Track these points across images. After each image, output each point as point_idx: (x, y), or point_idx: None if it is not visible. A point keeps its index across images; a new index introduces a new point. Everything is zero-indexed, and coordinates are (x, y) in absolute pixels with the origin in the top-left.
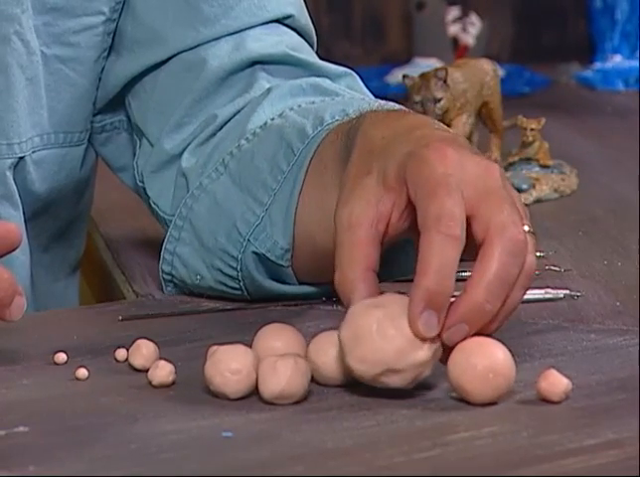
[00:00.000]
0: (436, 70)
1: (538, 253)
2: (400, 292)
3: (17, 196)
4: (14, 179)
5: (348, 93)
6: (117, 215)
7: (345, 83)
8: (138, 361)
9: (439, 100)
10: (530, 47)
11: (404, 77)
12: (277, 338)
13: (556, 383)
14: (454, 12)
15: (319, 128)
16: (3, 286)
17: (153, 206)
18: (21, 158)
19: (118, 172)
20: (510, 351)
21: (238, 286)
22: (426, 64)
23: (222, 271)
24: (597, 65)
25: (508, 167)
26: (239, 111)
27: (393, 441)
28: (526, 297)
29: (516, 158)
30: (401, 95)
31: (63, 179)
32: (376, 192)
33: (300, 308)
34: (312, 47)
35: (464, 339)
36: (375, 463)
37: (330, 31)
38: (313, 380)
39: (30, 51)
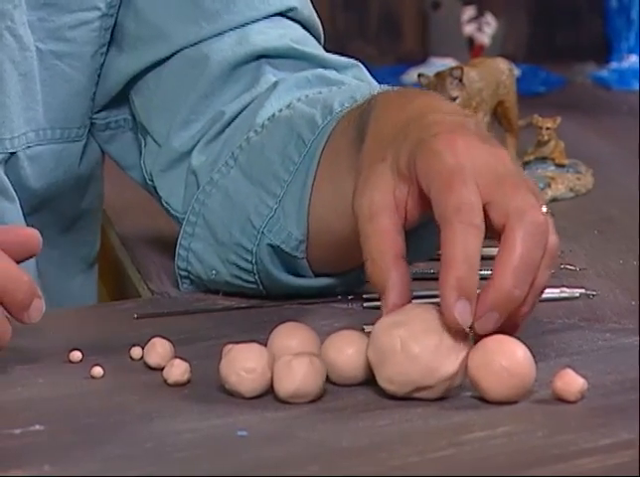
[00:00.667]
0: (452, 69)
1: None
2: (415, 298)
3: (11, 190)
4: (6, 174)
5: (354, 82)
6: (133, 213)
7: (351, 74)
8: (153, 359)
9: (455, 99)
10: (545, 46)
11: (420, 76)
12: (292, 337)
13: (571, 382)
14: (470, 11)
15: (329, 117)
16: (22, 289)
17: (165, 205)
18: (12, 154)
19: (127, 170)
20: None
21: (253, 280)
22: (442, 63)
23: (237, 265)
24: (613, 64)
25: (523, 166)
26: (246, 107)
27: (408, 441)
28: (542, 296)
29: (531, 157)
30: None
31: (61, 175)
32: (391, 179)
33: (315, 306)
34: (318, 39)
35: (494, 331)
36: (389, 463)
37: (345, 30)
38: (328, 379)
39: (23, 46)
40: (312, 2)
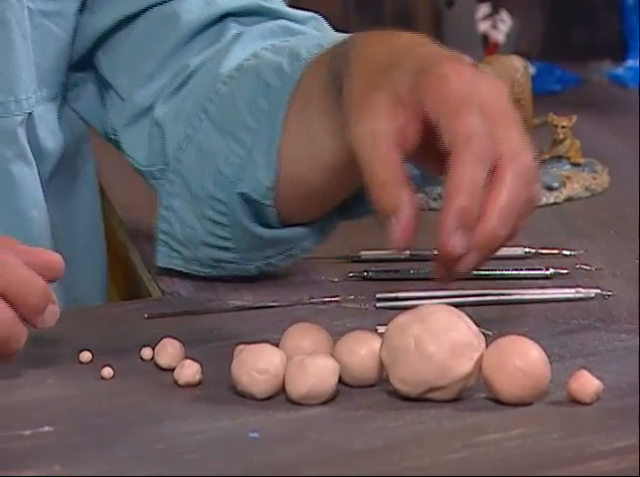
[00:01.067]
0: None
1: (569, 252)
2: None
3: (30, 154)
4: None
5: (320, 33)
6: (143, 212)
7: (312, 26)
8: (164, 360)
9: None
10: (561, 44)
11: None
12: (304, 337)
13: (586, 383)
14: (484, 9)
15: (296, 64)
16: (37, 293)
17: (129, 159)
18: (29, 114)
19: (94, 126)
20: None
21: (227, 235)
22: None
23: (211, 220)
24: (629, 62)
25: (539, 165)
26: (209, 59)
27: (421, 442)
28: (556, 296)
29: (547, 156)
30: None
31: (69, 135)
32: (390, 106)
33: (328, 306)
34: None
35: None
36: (403, 464)
37: (359, 29)
38: (341, 380)
39: (22, 5)
40: (325, 2)
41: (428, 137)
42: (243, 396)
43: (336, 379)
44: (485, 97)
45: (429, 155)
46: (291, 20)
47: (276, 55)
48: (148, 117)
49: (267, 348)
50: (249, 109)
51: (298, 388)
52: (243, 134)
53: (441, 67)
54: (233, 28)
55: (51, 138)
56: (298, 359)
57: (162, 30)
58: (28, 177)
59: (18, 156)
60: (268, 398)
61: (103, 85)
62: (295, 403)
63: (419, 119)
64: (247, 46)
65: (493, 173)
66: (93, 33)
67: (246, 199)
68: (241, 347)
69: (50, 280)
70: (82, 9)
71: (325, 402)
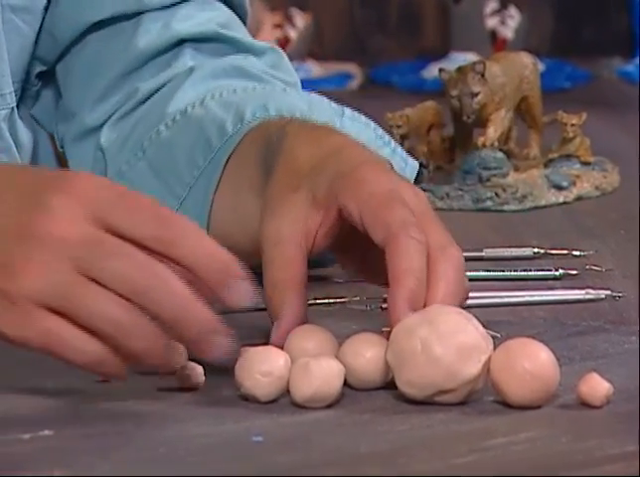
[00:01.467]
0: (474, 63)
1: (578, 253)
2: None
3: (14, 149)
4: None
5: (271, 78)
6: None
7: (270, 60)
8: None
9: (477, 95)
10: (570, 40)
11: (441, 70)
12: (309, 339)
13: (596, 386)
14: (492, 4)
15: (239, 125)
16: (199, 321)
17: None
18: (12, 109)
19: (50, 131)
20: None
21: None
22: (463, 58)
23: None
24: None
25: (548, 163)
26: (160, 87)
27: (428, 446)
28: (566, 298)
29: (556, 154)
30: (438, 90)
31: (39, 133)
32: (304, 209)
33: (332, 308)
34: (244, 17)
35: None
36: (409, 468)
37: (364, 24)
38: (346, 383)
39: None
40: None
41: (343, 240)
42: (247, 399)
43: (341, 381)
44: (405, 197)
45: (347, 258)
46: (250, 51)
47: (222, 110)
48: (95, 137)
49: (272, 350)
50: (187, 163)
51: (303, 390)
52: (178, 187)
53: (359, 170)
54: (187, 55)
55: (25, 134)
56: (303, 361)
57: (117, 47)
58: None
59: (2, 151)
60: (272, 402)
61: (58, 94)
62: (300, 407)
63: (333, 222)
64: (198, 85)
65: (429, 266)
66: (62, 41)
67: None
68: (245, 349)
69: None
70: (48, 6)
71: (330, 406)
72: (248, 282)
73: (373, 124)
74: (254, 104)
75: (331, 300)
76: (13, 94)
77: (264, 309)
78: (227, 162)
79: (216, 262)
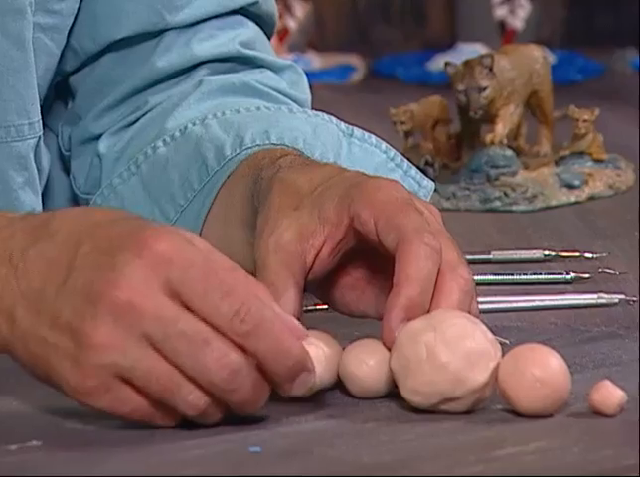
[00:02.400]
0: (481, 56)
1: (591, 255)
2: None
3: (37, 181)
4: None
5: (280, 96)
6: None
7: (289, 77)
8: None
9: (484, 89)
10: (583, 31)
11: (447, 64)
12: (311, 346)
13: (610, 395)
14: None
15: (237, 150)
16: (291, 358)
17: (71, 178)
18: (39, 137)
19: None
20: None
21: None
22: (471, 49)
23: None
24: None
25: (559, 161)
26: (166, 100)
27: (433, 457)
28: (578, 302)
29: (567, 152)
30: (443, 84)
31: (56, 158)
32: (308, 225)
33: (333, 314)
34: (270, 31)
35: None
36: None
37: (367, 14)
38: (349, 391)
39: (30, 21)
40: None
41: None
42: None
43: (321, 366)
44: (421, 209)
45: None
46: (268, 67)
47: (222, 130)
48: (94, 145)
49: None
50: (181, 184)
51: None
52: (169, 207)
53: (373, 180)
54: (201, 75)
55: (45, 156)
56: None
57: (135, 64)
58: (35, 206)
59: (27, 183)
60: (269, 411)
61: (67, 99)
62: (298, 416)
63: (341, 237)
64: (204, 99)
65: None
66: (82, 55)
67: None
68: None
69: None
70: (73, 24)
71: (316, 394)
72: (313, 374)
73: (384, 145)
74: (256, 129)
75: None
76: (40, 122)
77: None
78: (220, 188)
79: (289, 359)
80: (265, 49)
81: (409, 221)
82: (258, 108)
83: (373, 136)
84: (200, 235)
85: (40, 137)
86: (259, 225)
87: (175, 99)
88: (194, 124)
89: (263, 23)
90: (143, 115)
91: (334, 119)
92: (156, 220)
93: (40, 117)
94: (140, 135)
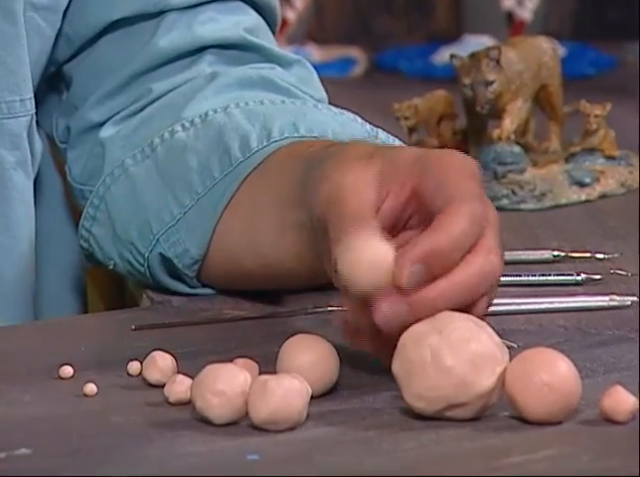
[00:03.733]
0: (488, 49)
1: (602, 256)
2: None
3: (30, 163)
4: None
5: (300, 93)
6: None
7: (298, 73)
8: (153, 375)
9: (491, 83)
10: (594, 22)
11: (452, 57)
12: (306, 351)
13: (621, 401)
14: None
15: (264, 143)
16: None
17: (67, 169)
18: (32, 116)
19: (47, 129)
20: None
21: (147, 282)
22: (477, 41)
23: (130, 264)
24: None
25: (569, 158)
26: (175, 88)
27: (438, 465)
28: (588, 304)
29: (578, 148)
30: (449, 77)
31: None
32: (378, 175)
33: (334, 316)
34: (273, 23)
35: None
36: None
37: (369, 4)
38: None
39: None
40: None
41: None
42: (203, 421)
43: (304, 401)
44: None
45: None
46: (276, 61)
47: (247, 120)
48: (95, 134)
49: (228, 367)
50: (200, 171)
51: (259, 411)
52: (185, 195)
53: (444, 155)
54: (208, 62)
55: (38, 143)
56: (262, 378)
57: (134, 47)
58: (26, 189)
59: (20, 164)
60: (230, 424)
61: (60, 92)
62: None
63: (401, 201)
64: (222, 92)
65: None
66: (77, 41)
67: (167, 261)
68: (208, 366)
69: None
70: (68, 6)
71: (293, 428)
72: None
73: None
74: (283, 121)
75: (333, 308)
76: (33, 100)
77: (256, 318)
78: (244, 179)
79: None
80: (269, 40)
81: (467, 187)
82: (283, 102)
83: (397, 139)
84: (218, 224)
85: (33, 117)
86: (328, 169)
87: (186, 90)
88: (215, 112)
89: (264, 14)
90: (149, 104)
91: (359, 119)
92: (167, 208)
93: (32, 95)
94: (148, 124)
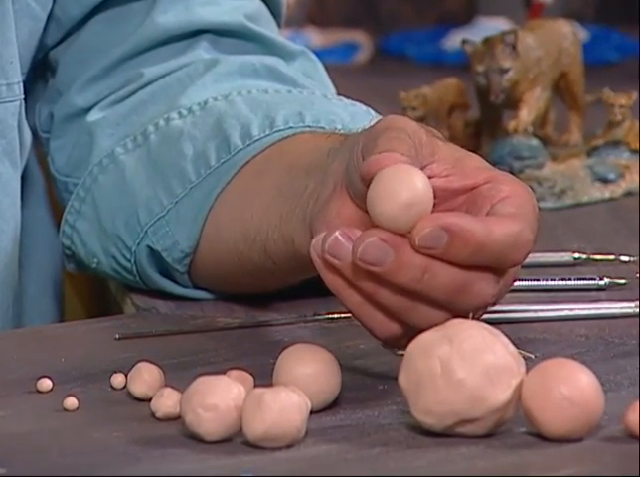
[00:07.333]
0: (504, 33)
1: (627, 258)
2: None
3: (17, 152)
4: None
5: (306, 83)
6: None
7: (302, 66)
8: (139, 388)
9: (507, 71)
10: (619, 4)
11: (464, 42)
12: (305, 361)
13: None
14: None
15: (267, 131)
16: None
17: (49, 160)
18: (20, 102)
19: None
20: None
21: (133, 279)
22: (491, 25)
23: (116, 260)
24: None
25: (592, 152)
26: (169, 73)
27: None
28: (612, 311)
29: (601, 141)
30: (460, 64)
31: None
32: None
33: (335, 324)
34: (278, 13)
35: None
36: None
37: None
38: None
39: None
40: None
41: None
42: (193, 437)
43: (303, 417)
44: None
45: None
46: (278, 52)
47: (249, 108)
48: (82, 121)
49: (221, 380)
50: (195, 159)
51: (254, 427)
52: (176, 182)
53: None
54: (201, 48)
55: (27, 134)
56: (257, 392)
57: (125, 28)
58: (12, 180)
59: (5, 153)
60: (223, 442)
61: (49, 71)
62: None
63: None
64: (222, 79)
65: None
66: (66, 23)
67: (155, 255)
68: (199, 379)
69: None
70: None
71: (290, 446)
72: None
73: None
74: (289, 110)
75: (334, 315)
76: (21, 85)
77: (251, 326)
78: (243, 169)
79: None
80: (271, 28)
81: (497, 172)
82: (289, 91)
83: None
84: (208, 212)
85: (22, 104)
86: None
87: (182, 75)
88: (215, 99)
89: (268, 3)
90: (140, 88)
91: (372, 112)
92: (157, 197)
93: (20, 79)
94: (140, 110)
